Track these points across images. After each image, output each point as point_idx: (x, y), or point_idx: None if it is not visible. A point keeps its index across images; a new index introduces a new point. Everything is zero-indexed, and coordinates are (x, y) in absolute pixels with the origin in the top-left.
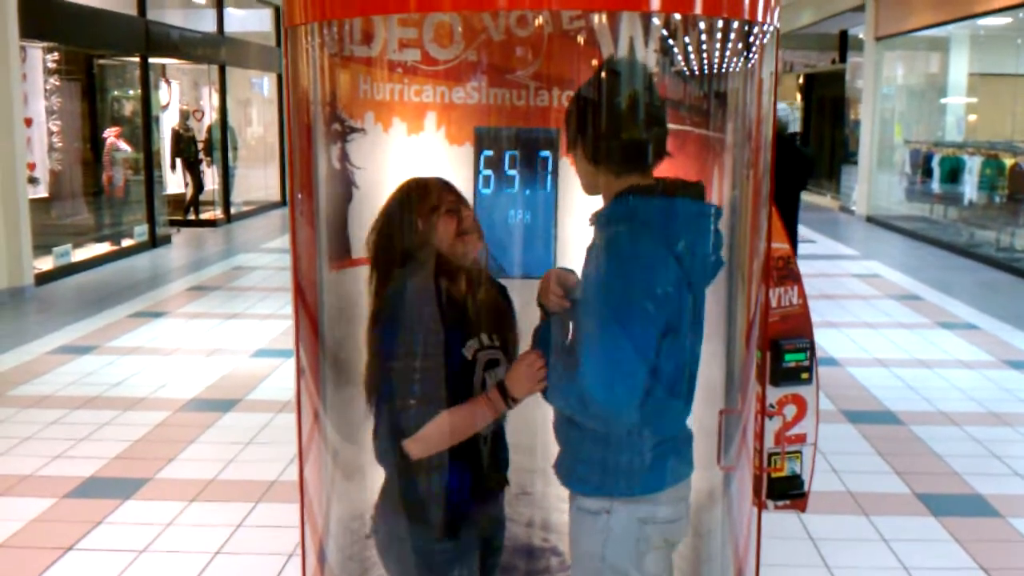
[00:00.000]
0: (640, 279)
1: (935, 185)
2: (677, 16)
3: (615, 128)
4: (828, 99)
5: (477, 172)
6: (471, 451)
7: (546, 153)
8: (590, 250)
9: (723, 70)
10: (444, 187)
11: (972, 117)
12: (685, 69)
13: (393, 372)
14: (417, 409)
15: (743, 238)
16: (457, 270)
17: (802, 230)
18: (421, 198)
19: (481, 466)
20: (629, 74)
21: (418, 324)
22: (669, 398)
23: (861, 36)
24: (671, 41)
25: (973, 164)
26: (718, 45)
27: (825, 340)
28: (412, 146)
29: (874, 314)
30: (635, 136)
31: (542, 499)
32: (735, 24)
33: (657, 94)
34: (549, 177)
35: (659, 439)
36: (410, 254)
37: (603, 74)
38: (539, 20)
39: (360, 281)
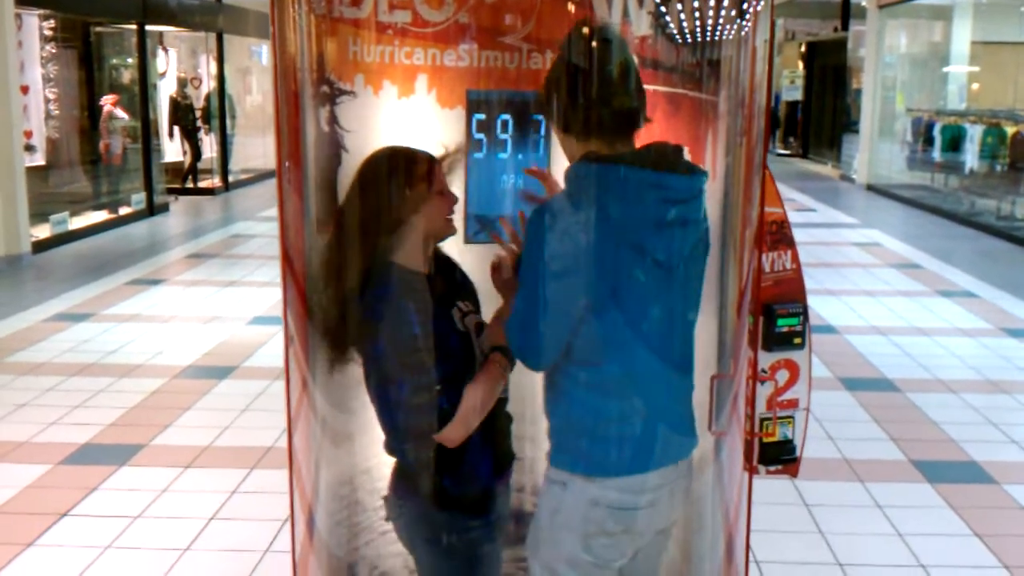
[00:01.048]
0: (561, 245)
1: (936, 154)
2: None
3: (579, 96)
4: (830, 67)
5: (469, 136)
6: (487, 428)
7: (538, 117)
8: None
9: (717, 36)
10: (434, 162)
11: (974, 85)
12: (677, 34)
13: (403, 365)
14: (444, 395)
15: (735, 206)
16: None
17: (802, 198)
18: (411, 172)
19: (497, 442)
20: (601, 40)
21: (413, 304)
22: (649, 372)
23: (863, 4)
24: (663, 4)
25: (974, 132)
26: (712, 9)
27: (824, 308)
28: (403, 109)
29: (873, 282)
30: (604, 104)
31: (532, 464)
32: None
33: (632, 62)
34: (542, 141)
35: (625, 421)
36: (395, 227)
37: (570, 40)
38: None
39: None
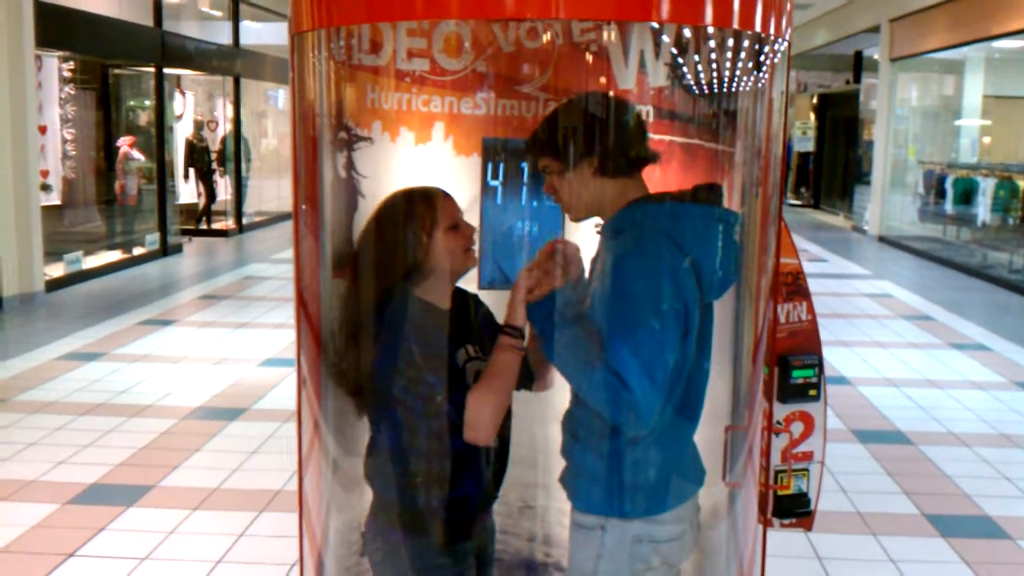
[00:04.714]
0: (662, 282)
1: (948, 206)
2: (688, 32)
3: (614, 136)
4: (842, 119)
5: (484, 183)
6: (474, 462)
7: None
8: (595, 261)
9: (733, 87)
10: (448, 199)
11: (986, 139)
12: (694, 86)
13: (403, 384)
14: (435, 427)
15: (751, 255)
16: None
17: (814, 249)
18: (427, 210)
19: (484, 478)
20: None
21: (423, 338)
22: (675, 415)
23: (876, 57)
24: (680, 56)
25: (987, 186)
26: (728, 61)
27: (836, 359)
28: (419, 156)
29: (885, 334)
30: (635, 146)
31: (544, 513)
32: (746, 40)
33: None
34: None
35: (662, 458)
36: (414, 268)
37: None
38: (549, 33)
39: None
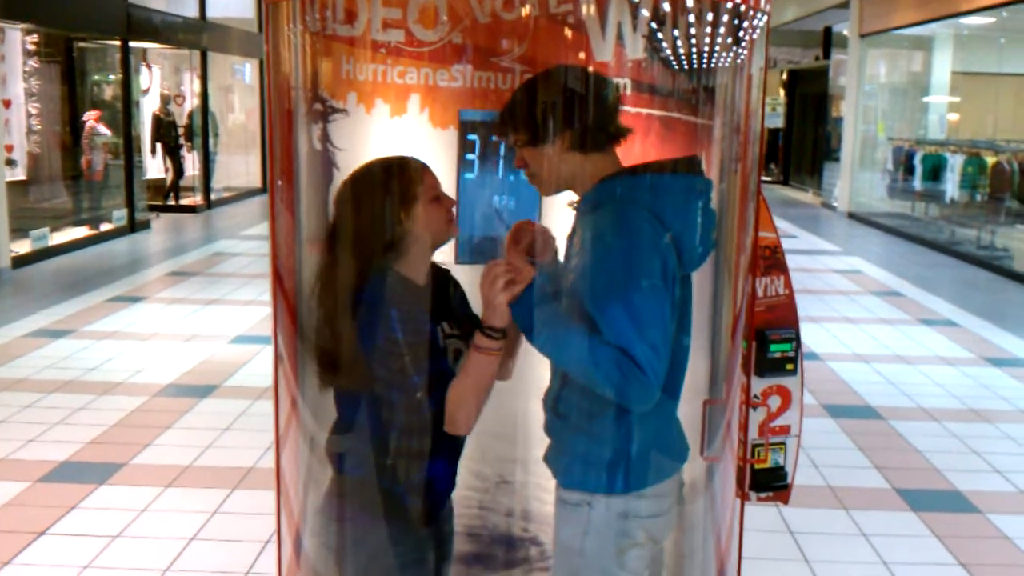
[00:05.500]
0: (648, 255)
1: (917, 182)
2: (666, 5)
3: (592, 111)
4: (811, 96)
5: (461, 156)
6: (451, 442)
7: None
8: (570, 239)
9: (713, 61)
10: (426, 169)
11: (954, 115)
12: (673, 58)
13: (386, 368)
14: (431, 399)
15: (730, 231)
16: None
17: (784, 225)
18: (407, 182)
19: (455, 459)
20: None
21: (400, 312)
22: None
23: (845, 33)
24: (659, 28)
25: (955, 162)
26: (707, 34)
27: (806, 335)
28: (395, 128)
29: (855, 310)
30: (609, 121)
31: (522, 488)
32: (725, 13)
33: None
34: None
35: (647, 434)
36: (394, 242)
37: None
38: (527, 5)
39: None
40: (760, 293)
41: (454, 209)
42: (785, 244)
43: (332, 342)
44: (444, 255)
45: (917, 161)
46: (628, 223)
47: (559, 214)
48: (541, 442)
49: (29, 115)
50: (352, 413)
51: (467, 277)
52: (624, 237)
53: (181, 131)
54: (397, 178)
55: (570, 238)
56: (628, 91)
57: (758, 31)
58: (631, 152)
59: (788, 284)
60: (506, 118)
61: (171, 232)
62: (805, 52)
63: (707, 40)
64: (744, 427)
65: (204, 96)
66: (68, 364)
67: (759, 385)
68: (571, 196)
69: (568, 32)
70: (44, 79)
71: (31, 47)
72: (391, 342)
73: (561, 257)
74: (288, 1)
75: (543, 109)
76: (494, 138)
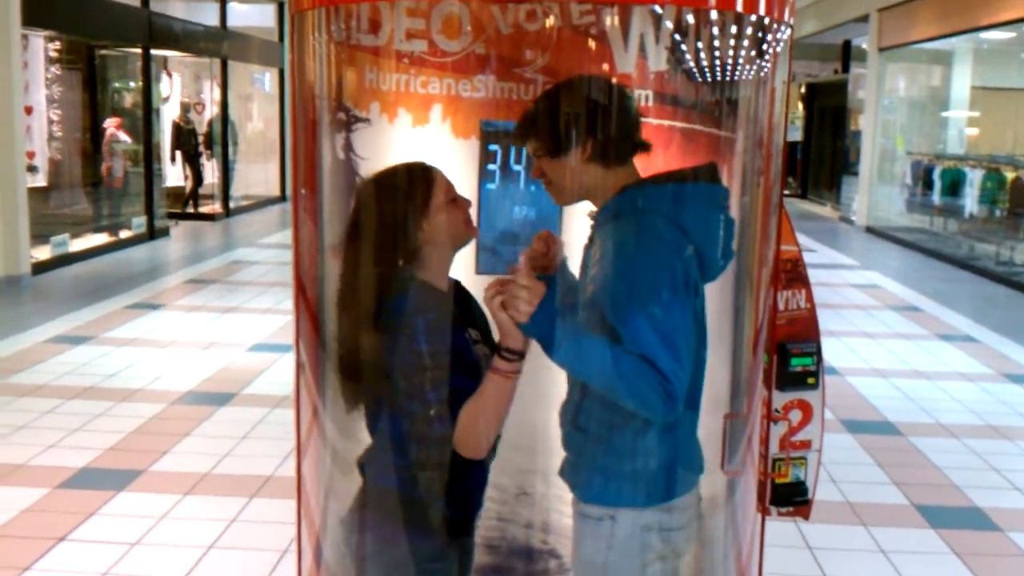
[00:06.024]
0: (672, 264)
1: (936, 197)
2: (690, 17)
3: (614, 124)
4: (830, 109)
5: (482, 167)
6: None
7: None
8: (588, 249)
9: (736, 73)
10: (440, 173)
11: (974, 130)
12: (696, 71)
13: (407, 381)
14: (443, 413)
15: (752, 244)
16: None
17: (802, 239)
18: (425, 187)
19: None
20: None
21: (424, 321)
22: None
23: (864, 47)
24: (682, 40)
25: (974, 177)
26: (731, 46)
27: (824, 349)
28: (417, 138)
29: (873, 324)
30: (630, 133)
31: (542, 500)
32: (749, 25)
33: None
34: None
35: (670, 446)
36: (415, 248)
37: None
38: (550, 17)
39: None
40: (781, 306)
41: (471, 210)
42: (804, 258)
43: (355, 352)
44: (465, 266)
45: (936, 176)
46: (650, 232)
47: (580, 224)
48: (561, 454)
49: (50, 122)
50: (376, 422)
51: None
52: (646, 246)
53: (201, 139)
54: (414, 183)
55: (587, 248)
56: (650, 103)
57: (782, 44)
58: (653, 164)
59: (810, 298)
60: (526, 127)
61: (190, 240)
62: (824, 66)
63: (730, 52)
64: (765, 441)
65: (224, 104)
66: (87, 371)
67: (780, 399)
68: (589, 206)
69: (591, 43)
70: (65, 86)
71: (53, 54)
72: (416, 353)
73: (577, 267)
74: (314, 11)
75: (566, 119)
76: (522, 148)
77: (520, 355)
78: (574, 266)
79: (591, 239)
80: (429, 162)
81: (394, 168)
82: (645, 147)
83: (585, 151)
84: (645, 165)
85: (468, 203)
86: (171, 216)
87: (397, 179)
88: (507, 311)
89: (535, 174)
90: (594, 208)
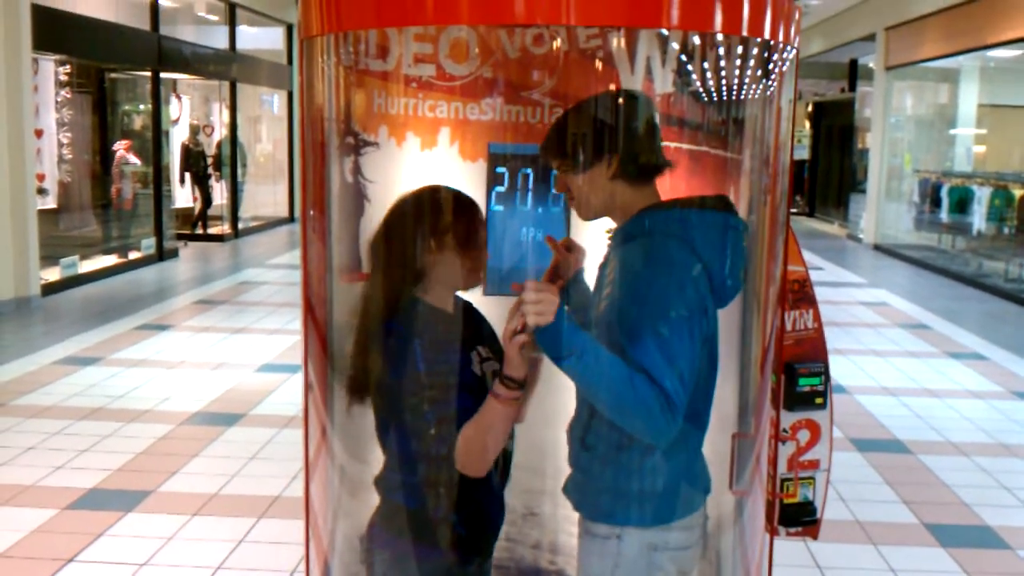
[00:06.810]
0: (681, 286)
1: (943, 215)
2: (696, 39)
3: (643, 140)
4: (837, 128)
5: (490, 189)
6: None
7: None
8: (602, 268)
9: (742, 95)
10: (475, 207)
11: (981, 148)
12: (703, 92)
13: (406, 402)
14: (447, 433)
15: (759, 263)
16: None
17: (810, 257)
18: (437, 215)
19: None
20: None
21: (426, 342)
22: (686, 422)
23: (871, 65)
24: (688, 62)
25: (982, 194)
26: (737, 68)
27: (833, 368)
28: (425, 161)
29: (882, 342)
30: (655, 152)
31: (550, 521)
32: (755, 47)
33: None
34: (562, 196)
35: (677, 465)
36: (421, 275)
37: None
38: (556, 40)
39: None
40: (789, 327)
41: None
42: (811, 276)
43: (363, 371)
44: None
45: (943, 193)
46: (661, 252)
47: (592, 244)
48: (566, 473)
49: (60, 144)
50: (384, 439)
51: (496, 310)
52: (657, 266)
53: (210, 161)
54: (428, 211)
55: (602, 268)
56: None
57: (787, 64)
58: (660, 185)
59: (817, 318)
60: (550, 142)
61: (199, 261)
62: (831, 84)
63: (736, 74)
64: (773, 461)
65: (233, 126)
66: (96, 392)
67: (788, 419)
68: (600, 226)
69: (598, 66)
70: (75, 109)
71: (63, 78)
72: (421, 373)
73: (592, 283)
74: (323, 36)
75: (585, 134)
76: (529, 171)
77: (520, 384)
78: (590, 280)
79: (606, 258)
80: (454, 188)
81: (427, 189)
82: (668, 167)
83: (612, 167)
84: (659, 186)
85: (484, 255)
86: (180, 237)
87: (411, 205)
88: (524, 320)
89: (559, 188)
90: (614, 224)
